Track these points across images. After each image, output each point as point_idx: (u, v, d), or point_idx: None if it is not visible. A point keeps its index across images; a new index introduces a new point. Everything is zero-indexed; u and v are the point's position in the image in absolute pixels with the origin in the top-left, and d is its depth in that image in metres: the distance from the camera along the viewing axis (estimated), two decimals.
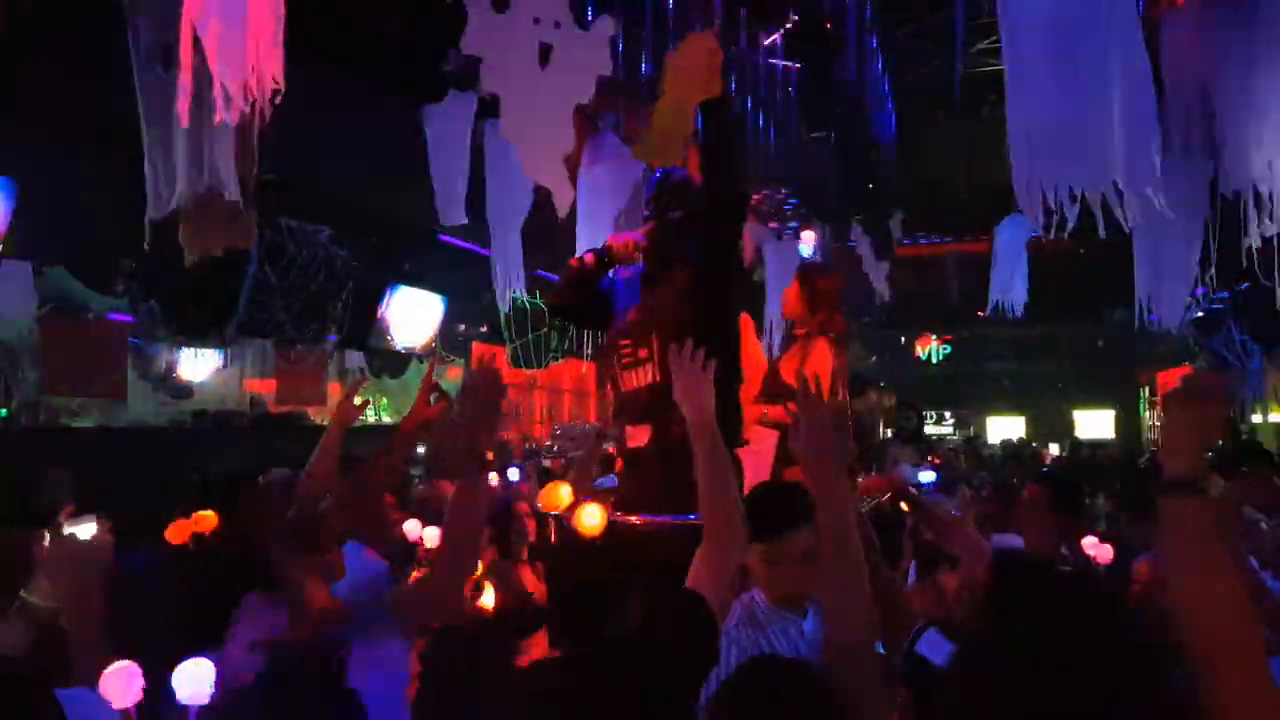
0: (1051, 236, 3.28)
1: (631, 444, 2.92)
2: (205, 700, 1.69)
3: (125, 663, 1.67)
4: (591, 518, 1.95)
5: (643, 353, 2.92)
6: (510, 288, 6.38)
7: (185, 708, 1.69)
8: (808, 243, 8.39)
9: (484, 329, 11.30)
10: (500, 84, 3.25)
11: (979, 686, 0.92)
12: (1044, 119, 3.44)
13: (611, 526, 2.03)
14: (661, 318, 2.92)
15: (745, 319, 3.88)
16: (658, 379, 2.86)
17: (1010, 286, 9.92)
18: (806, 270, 4.09)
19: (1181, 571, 1.33)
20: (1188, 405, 1.44)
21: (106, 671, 1.65)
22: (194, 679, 1.69)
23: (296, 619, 1.86)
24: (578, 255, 3.12)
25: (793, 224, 10.38)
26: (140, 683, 1.66)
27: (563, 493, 1.99)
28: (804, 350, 3.74)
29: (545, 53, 3.23)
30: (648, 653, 1.77)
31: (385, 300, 9.74)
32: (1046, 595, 1.90)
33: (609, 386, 3.14)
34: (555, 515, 2.63)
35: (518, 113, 3.27)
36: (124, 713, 1.62)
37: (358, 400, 2.93)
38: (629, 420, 2.95)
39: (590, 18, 3.52)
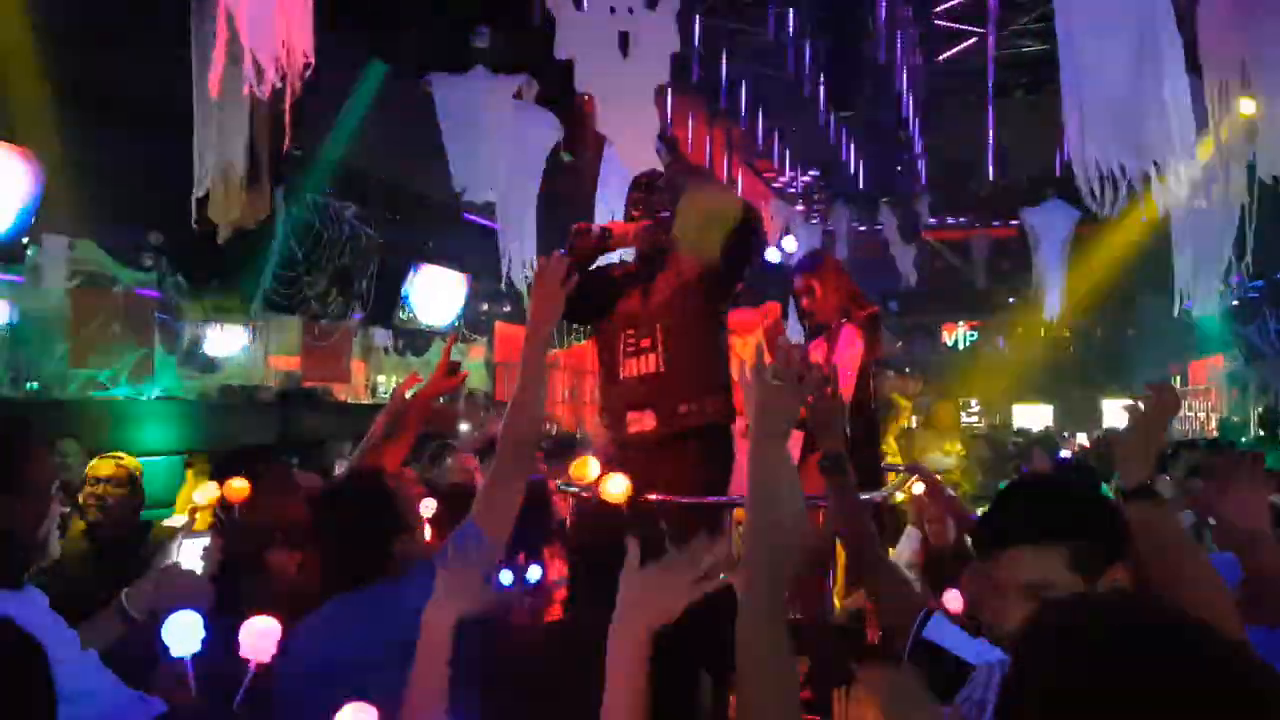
0: (1104, 213, 3.29)
1: (633, 429, 2.98)
2: (196, 651, 1.72)
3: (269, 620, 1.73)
4: (616, 486, 1.98)
5: (645, 342, 3.00)
6: (522, 263, 6.40)
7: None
8: (789, 244, 8.26)
9: (506, 308, 11.32)
10: (592, 83, 3.27)
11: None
12: (1095, 98, 3.43)
13: (636, 499, 2.07)
14: (665, 308, 2.98)
15: (774, 309, 3.85)
16: (662, 369, 2.96)
17: (1055, 296, 9.95)
18: (802, 268, 4.05)
19: (1154, 566, 1.52)
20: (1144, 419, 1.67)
21: (247, 624, 1.71)
22: (185, 632, 1.72)
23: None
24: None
25: (819, 205, 10.30)
26: (277, 640, 1.72)
27: (590, 465, 2.02)
28: (832, 339, 3.72)
29: (625, 40, 3.25)
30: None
31: (409, 278, 9.78)
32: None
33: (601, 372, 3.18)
34: (578, 489, 2.66)
35: (612, 107, 3.29)
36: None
37: (408, 394, 3.02)
38: (627, 404, 3.01)
39: None
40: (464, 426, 7.60)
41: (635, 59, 3.23)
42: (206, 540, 1.86)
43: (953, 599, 2.20)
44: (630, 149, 3.35)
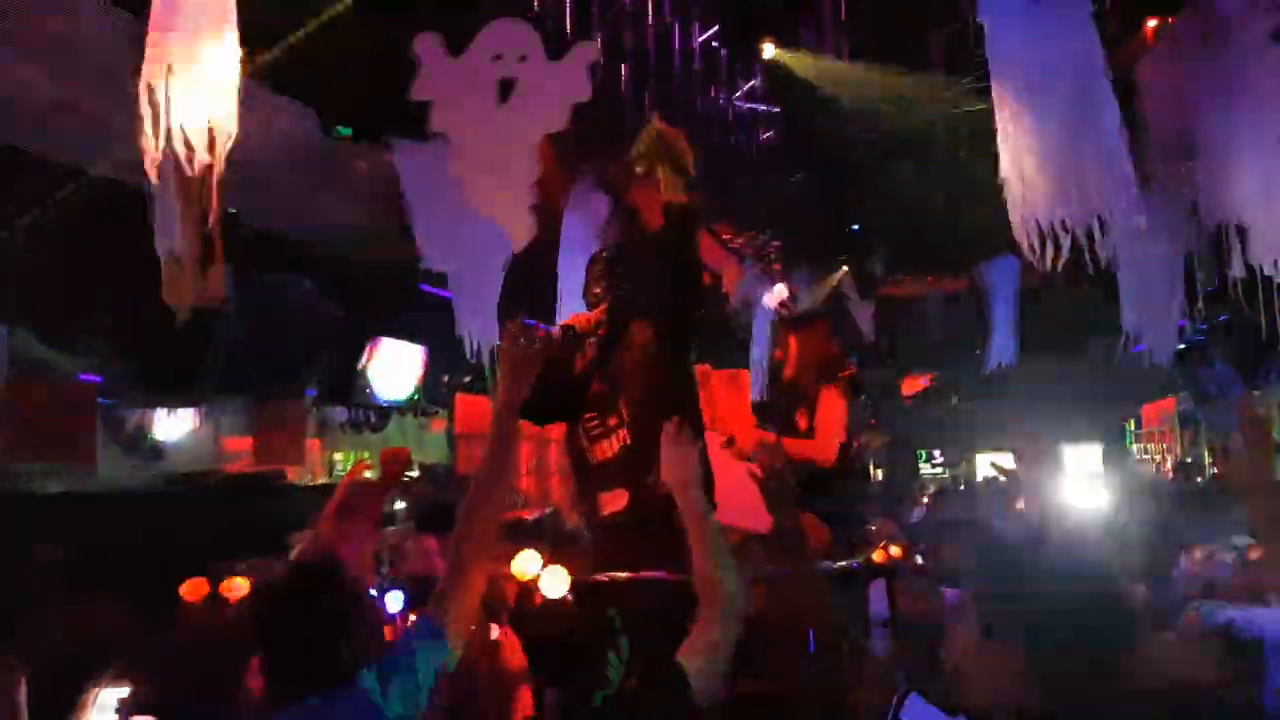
0: (1046, 269, 3.31)
1: (609, 510, 2.89)
2: None
3: None
4: (554, 584, 1.89)
5: (612, 420, 2.92)
6: (481, 337, 6.24)
7: None
8: (777, 297, 8.29)
9: (467, 379, 11.15)
10: (451, 124, 3.16)
11: None
12: (1032, 158, 3.47)
13: (580, 586, 1.97)
14: (626, 381, 2.91)
15: (718, 374, 3.86)
16: (629, 442, 2.86)
17: (1006, 346, 10.08)
18: (797, 324, 4.20)
19: None
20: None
21: None
22: None
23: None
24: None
25: (776, 267, 10.39)
26: None
27: (531, 560, 1.91)
28: (813, 404, 3.80)
29: (507, 88, 3.16)
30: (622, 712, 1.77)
31: (366, 352, 9.60)
32: None
33: (569, 462, 3.11)
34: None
35: (469, 150, 3.18)
36: None
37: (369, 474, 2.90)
38: (602, 488, 2.93)
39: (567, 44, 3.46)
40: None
41: (518, 106, 3.14)
42: (124, 691, 1.65)
43: None
44: (487, 196, 3.25)
